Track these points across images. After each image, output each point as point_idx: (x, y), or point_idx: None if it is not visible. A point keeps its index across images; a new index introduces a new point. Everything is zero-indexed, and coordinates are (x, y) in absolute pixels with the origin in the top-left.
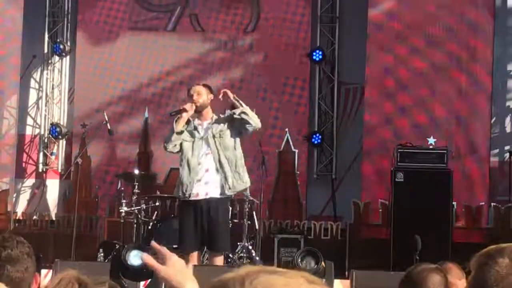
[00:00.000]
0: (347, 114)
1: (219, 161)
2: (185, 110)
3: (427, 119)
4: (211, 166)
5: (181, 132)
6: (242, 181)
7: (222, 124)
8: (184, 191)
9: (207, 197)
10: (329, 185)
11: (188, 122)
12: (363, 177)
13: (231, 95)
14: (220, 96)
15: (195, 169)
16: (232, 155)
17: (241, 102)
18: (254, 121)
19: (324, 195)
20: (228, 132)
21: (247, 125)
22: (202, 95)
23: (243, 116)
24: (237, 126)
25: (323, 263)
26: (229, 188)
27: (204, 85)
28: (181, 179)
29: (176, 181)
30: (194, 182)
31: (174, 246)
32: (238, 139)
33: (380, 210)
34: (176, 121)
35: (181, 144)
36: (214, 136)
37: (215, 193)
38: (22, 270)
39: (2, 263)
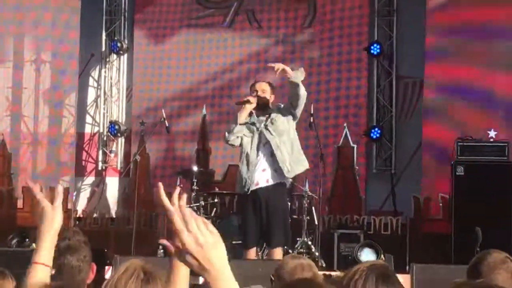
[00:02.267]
0: (406, 108)
1: (277, 147)
2: (249, 102)
3: (488, 112)
4: (268, 154)
5: (244, 124)
6: (300, 164)
7: (274, 115)
8: (243, 185)
9: (268, 184)
10: (389, 179)
11: (251, 119)
12: (423, 171)
13: (290, 72)
14: (277, 73)
15: (253, 163)
16: (287, 139)
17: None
18: (302, 93)
19: (383, 190)
20: (279, 116)
21: (295, 102)
22: (266, 93)
23: (295, 89)
24: (289, 100)
25: (382, 256)
26: (288, 171)
27: (269, 83)
28: (241, 174)
29: (237, 178)
30: (253, 175)
31: (233, 242)
32: (292, 123)
33: (441, 204)
34: (240, 112)
35: (241, 139)
36: (266, 125)
37: (275, 178)
38: (81, 259)
39: (62, 252)
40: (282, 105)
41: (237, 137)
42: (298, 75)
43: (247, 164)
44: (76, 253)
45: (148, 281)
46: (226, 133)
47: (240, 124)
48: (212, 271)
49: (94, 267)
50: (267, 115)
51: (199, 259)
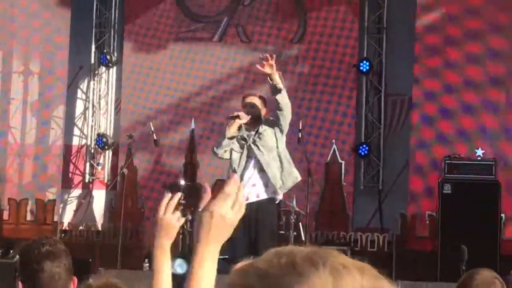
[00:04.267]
0: (394, 125)
1: (267, 164)
2: (238, 117)
3: (475, 130)
4: (258, 169)
5: (232, 138)
6: (293, 177)
7: (262, 126)
8: None
9: (259, 199)
10: (376, 196)
11: (240, 133)
12: (410, 188)
13: (276, 78)
14: (264, 67)
15: (240, 178)
16: (276, 154)
17: (282, 81)
18: (287, 102)
19: (370, 207)
20: (267, 131)
21: (278, 111)
22: (257, 107)
23: (279, 98)
24: (274, 111)
25: None
26: (281, 187)
27: (260, 97)
28: None
29: None
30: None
31: (221, 257)
32: (279, 135)
33: (427, 222)
34: (229, 126)
35: (231, 153)
36: (254, 141)
37: (266, 193)
38: (61, 266)
39: (42, 258)
40: (270, 118)
41: (225, 151)
42: (281, 85)
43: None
44: (56, 260)
45: None
46: (215, 148)
47: (228, 138)
48: (211, 242)
49: (75, 280)
50: (256, 129)
51: (212, 225)
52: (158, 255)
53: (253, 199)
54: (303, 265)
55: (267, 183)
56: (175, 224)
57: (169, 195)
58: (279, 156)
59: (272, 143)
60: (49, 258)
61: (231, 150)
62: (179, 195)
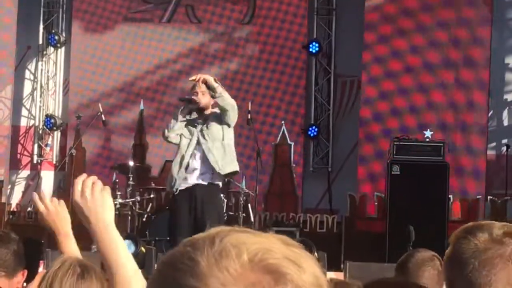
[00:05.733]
0: (343, 106)
1: (209, 150)
2: (192, 102)
3: (424, 112)
4: (200, 157)
5: (183, 121)
6: (232, 165)
7: (210, 117)
8: (172, 184)
9: (198, 182)
10: (325, 178)
11: (191, 118)
12: (359, 170)
13: (211, 80)
14: (199, 82)
15: (185, 164)
16: (220, 145)
17: (219, 85)
18: (229, 103)
19: (320, 188)
20: (215, 124)
21: (224, 114)
22: (205, 96)
23: (220, 101)
24: (220, 115)
25: (315, 253)
26: (220, 169)
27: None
28: (171, 174)
29: (168, 176)
30: (184, 175)
31: (162, 238)
32: (227, 130)
33: (376, 203)
34: (181, 110)
35: (180, 138)
36: (201, 130)
37: (207, 179)
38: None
39: None
40: (218, 113)
41: (177, 134)
42: (219, 89)
43: (180, 165)
44: (4, 246)
45: (84, 275)
46: (166, 130)
47: (180, 121)
48: (93, 221)
49: (25, 272)
50: (205, 118)
51: (82, 208)
52: (64, 244)
53: (193, 182)
54: (203, 243)
55: (208, 169)
56: (61, 211)
57: (83, 176)
58: (223, 147)
59: (218, 135)
60: None
61: (181, 135)
62: (43, 193)
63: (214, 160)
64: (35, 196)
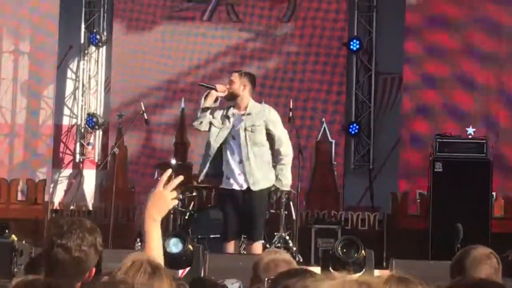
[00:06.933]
0: (384, 104)
1: (247, 158)
2: (215, 89)
3: (466, 109)
4: (237, 159)
5: (206, 109)
6: (267, 181)
7: (257, 120)
8: (199, 172)
9: (243, 188)
10: (367, 175)
11: (226, 108)
12: (401, 167)
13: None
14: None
15: (214, 156)
16: (258, 150)
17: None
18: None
19: (361, 186)
20: (260, 129)
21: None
22: (235, 84)
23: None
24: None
25: (363, 251)
26: (253, 184)
27: (243, 74)
28: (203, 162)
29: (201, 162)
30: (209, 167)
31: (212, 236)
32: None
33: (418, 200)
34: (204, 97)
35: (210, 126)
36: (245, 129)
37: (256, 187)
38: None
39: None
40: (272, 129)
41: (201, 122)
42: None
43: (208, 155)
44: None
45: (155, 274)
46: (193, 121)
47: (202, 108)
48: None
49: (94, 270)
50: (245, 111)
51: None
52: (149, 227)
53: (236, 187)
54: None
55: (245, 174)
56: (169, 201)
57: (170, 172)
58: (262, 153)
59: (261, 140)
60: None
61: (210, 123)
62: (180, 178)
63: (250, 171)
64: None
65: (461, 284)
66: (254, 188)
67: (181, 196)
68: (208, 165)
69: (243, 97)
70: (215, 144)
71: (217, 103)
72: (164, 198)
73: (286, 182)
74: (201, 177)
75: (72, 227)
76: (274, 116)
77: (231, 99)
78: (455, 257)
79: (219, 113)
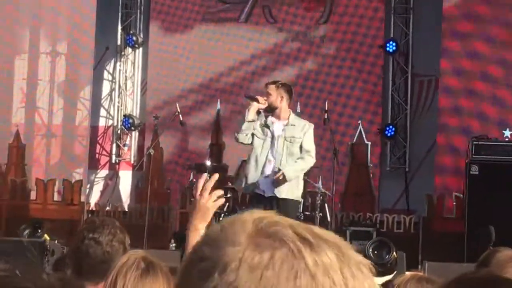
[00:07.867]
0: (420, 105)
1: (281, 163)
2: (257, 100)
3: (503, 112)
4: (272, 166)
5: (252, 121)
6: (294, 196)
7: (297, 132)
8: (247, 183)
9: (276, 196)
10: (402, 178)
11: (263, 118)
12: (437, 170)
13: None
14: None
15: (262, 166)
16: (291, 160)
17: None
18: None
19: (397, 188)
20: (298, 141)
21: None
22: (271, 96)
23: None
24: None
25: (394, 253)
26: (280, 193)
27: (280, 86)
28: (247, 173)
29: (241, 173)
30: (262, 178)
31: None
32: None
33: (454, 203)
34: (248, 109)
35: (253, 138)
36: (285, 139)
37: (282, 194)
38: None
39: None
40: (306, 142)
41: (246, 134)
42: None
43: (256, 166)
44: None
45: (148, 271)
46: (236, 133)
47: (247, 121)
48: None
49: None
50: (286, 120)
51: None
52: (191, 237)
53: (269, 194)
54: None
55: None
56: (210, 207)
57: (205, 176)
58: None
59: (297, 152)
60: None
61: (253, 135)
62: (216, 176)
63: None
64: (202, 179)
65: (467, 278)
66: (286, 196)
67: (229, 194)
68: (250, 179)
69: (281, 108)
70: (261, 157)
71: (260, 115)
72: (202, 206)
73: (288, 172)
74: (244, 190)
75: (104, 222)
76: (312, 133)
77: (270, 111)
78: (480, 259)
79: (257, 124)
